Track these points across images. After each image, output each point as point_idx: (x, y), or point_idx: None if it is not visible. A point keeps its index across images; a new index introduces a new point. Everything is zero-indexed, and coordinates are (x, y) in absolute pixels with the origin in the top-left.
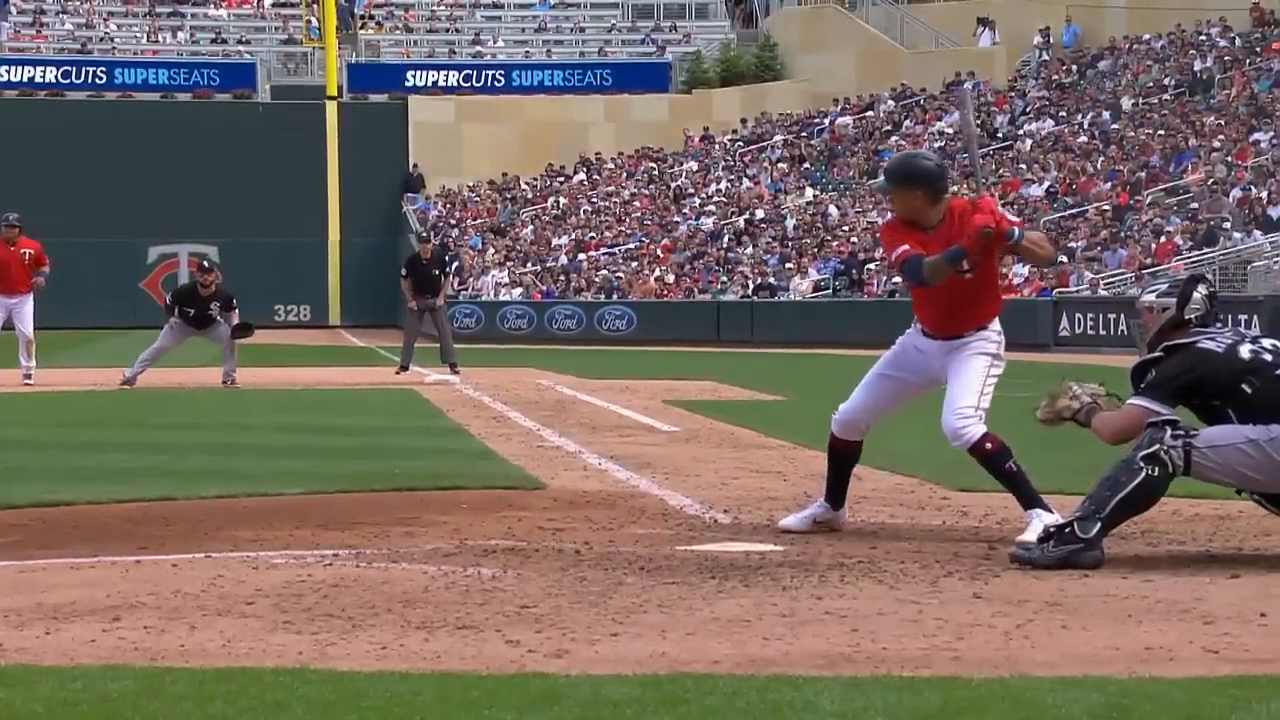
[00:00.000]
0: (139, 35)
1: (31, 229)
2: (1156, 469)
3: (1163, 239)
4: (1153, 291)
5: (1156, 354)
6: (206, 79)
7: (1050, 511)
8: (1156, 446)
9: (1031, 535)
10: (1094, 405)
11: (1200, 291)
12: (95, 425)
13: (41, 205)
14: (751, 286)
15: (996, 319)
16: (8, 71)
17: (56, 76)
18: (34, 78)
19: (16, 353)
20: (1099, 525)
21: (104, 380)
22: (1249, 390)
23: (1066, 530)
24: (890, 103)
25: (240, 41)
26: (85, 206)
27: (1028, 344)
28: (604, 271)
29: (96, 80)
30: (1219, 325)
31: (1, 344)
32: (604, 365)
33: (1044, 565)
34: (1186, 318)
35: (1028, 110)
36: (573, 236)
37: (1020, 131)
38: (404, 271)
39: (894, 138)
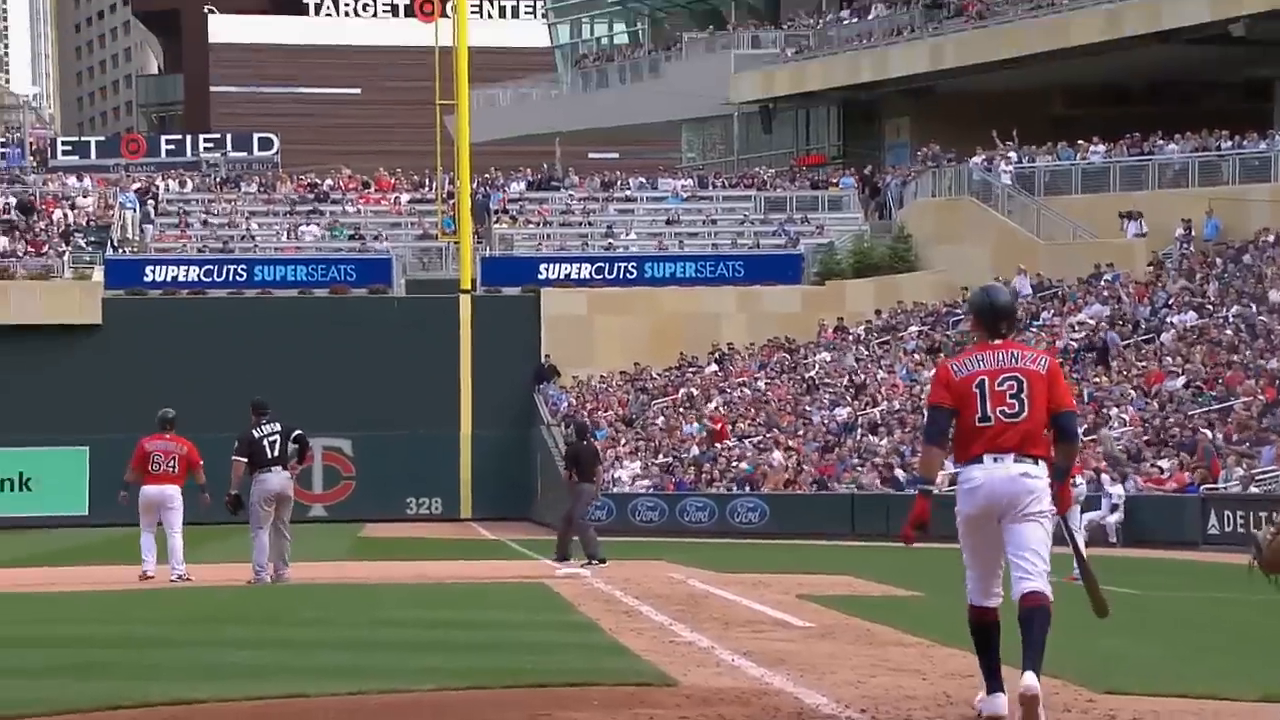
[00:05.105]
0: (279, 232)
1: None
2: None
3: None
4: None
5: None
6: (343, 274)
7: None
8: None
9: None
10: None
11: None
12: (230, 620)
13: (179, 402)
14: (887, 479)
15: (959, 467)
16: (153, 271)
17: (199, 275)
18: (177, 277)
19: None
20: None
21: (240, 575)
22: None
23: None
24: (1029, 292)
25: (376, 237)
26: (221, 402)
27: (1174, 542)
28: (736, 464)
29: (237, 278)
30: None
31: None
32: (737, 559)
33: None
34: None
35: (1170, 302)
36: (705, 428)
37: (1162, 324)
38: (568, 463)
39: (1032, 329)
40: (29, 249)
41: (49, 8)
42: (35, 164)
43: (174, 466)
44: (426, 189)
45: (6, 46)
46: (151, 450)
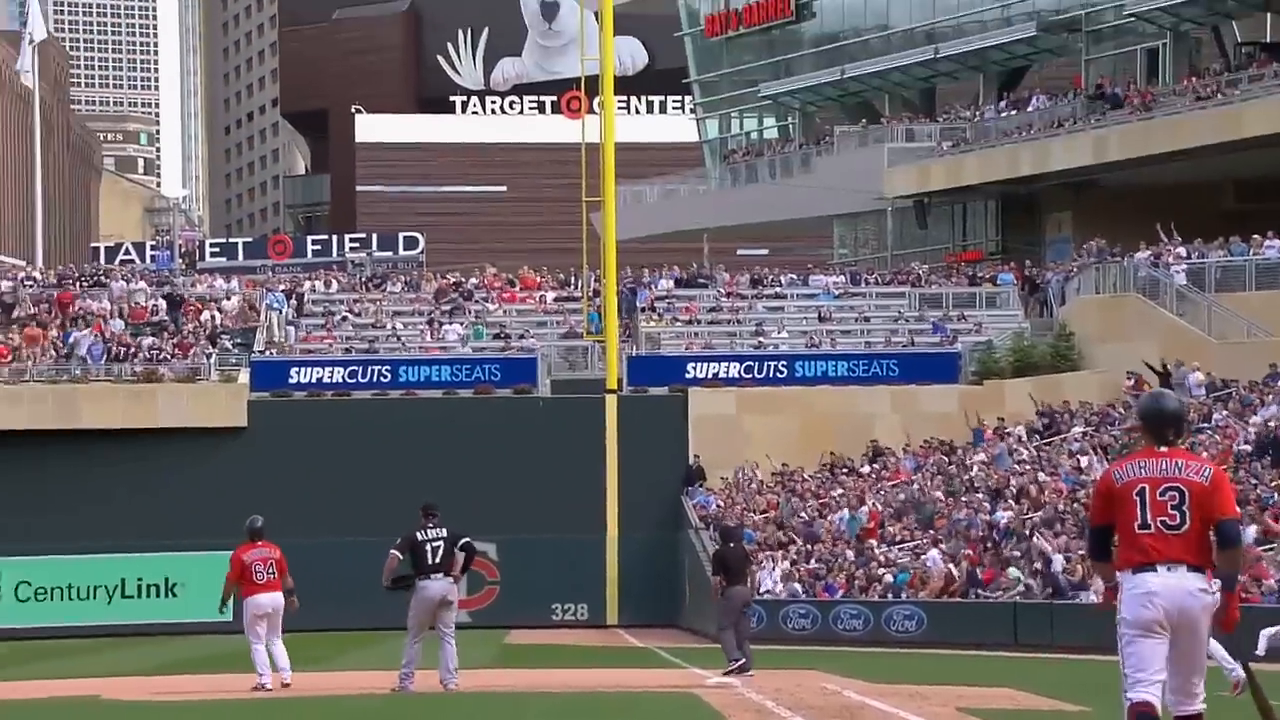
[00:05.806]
0: (424, 332)
1: (313, 529)
2: None
3: None
4: None
5: None
6: (488, 374)
7: None
8: None
9: None
10: None
11: None
12: None
13: (323, 505)
14: (1051, 586)
15: (1124, 572)
16: (298, 373)
17: (344, 376)
18: (322, 378)
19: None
20: None
21: (380, 683)
22: None
23: None
24: (1202, 392)
25: (522, 336)
26: (365, 505)
27: None
28: (889, 571)
29: (381, 379)
30: None
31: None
32: (893, 668)
33: None
34: None
35: None
36: (858, 531)
37: None
38: (715, 568)
39: (1204, 431)
40: (176, 351)
41: (200, 111)
42: (184, 266)
43: (274, 573)
44: (572, 287)
45: (158, 150)
46: (251, 561)
